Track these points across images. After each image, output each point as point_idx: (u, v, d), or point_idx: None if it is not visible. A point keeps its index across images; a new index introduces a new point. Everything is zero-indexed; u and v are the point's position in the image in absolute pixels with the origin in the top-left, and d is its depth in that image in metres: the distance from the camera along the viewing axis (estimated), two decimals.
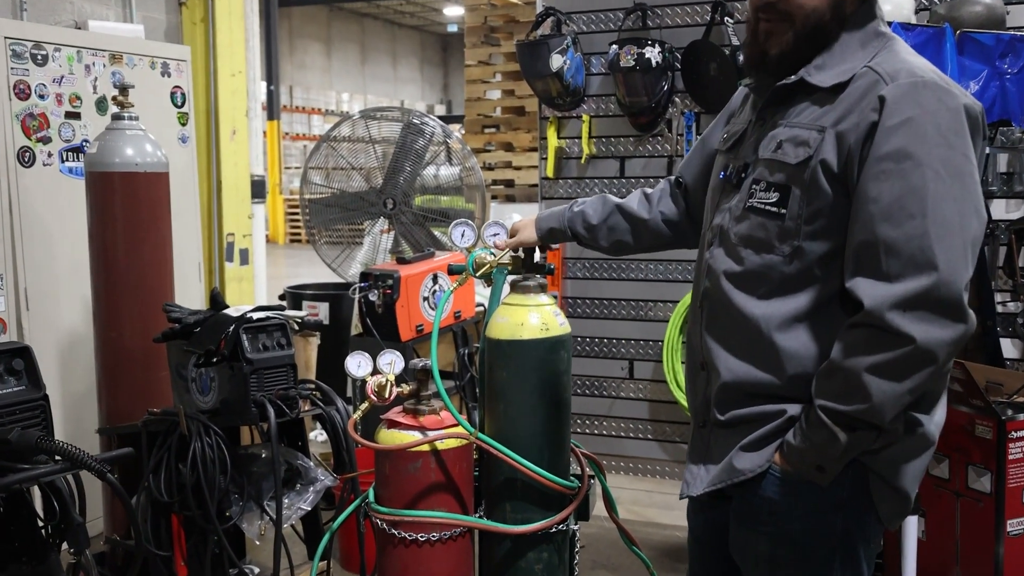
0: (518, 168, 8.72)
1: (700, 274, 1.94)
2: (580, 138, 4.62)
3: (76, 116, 3.97)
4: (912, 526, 2.86)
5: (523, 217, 2.33)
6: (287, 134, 21.39)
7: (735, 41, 4.15)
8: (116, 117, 3.36)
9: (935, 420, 1.76)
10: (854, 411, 1.63)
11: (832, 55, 1.73)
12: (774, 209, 1.72)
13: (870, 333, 1.59)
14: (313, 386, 2.92)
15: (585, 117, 4.59)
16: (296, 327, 3.00)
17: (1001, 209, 3.73)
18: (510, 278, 2.21)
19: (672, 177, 2.23)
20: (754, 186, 1.78)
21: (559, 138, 4.68)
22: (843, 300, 1.69)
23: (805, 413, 1.71)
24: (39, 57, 3.82)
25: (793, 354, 1.73)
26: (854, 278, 1.63)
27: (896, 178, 1.58)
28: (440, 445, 2.11)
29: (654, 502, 4.34)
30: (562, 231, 2.22)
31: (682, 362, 4.25)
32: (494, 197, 8.92)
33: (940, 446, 3.07)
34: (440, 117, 5.23)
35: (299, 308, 5.39)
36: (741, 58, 4.01)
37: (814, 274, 1.71)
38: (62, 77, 3.91)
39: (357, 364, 2.27)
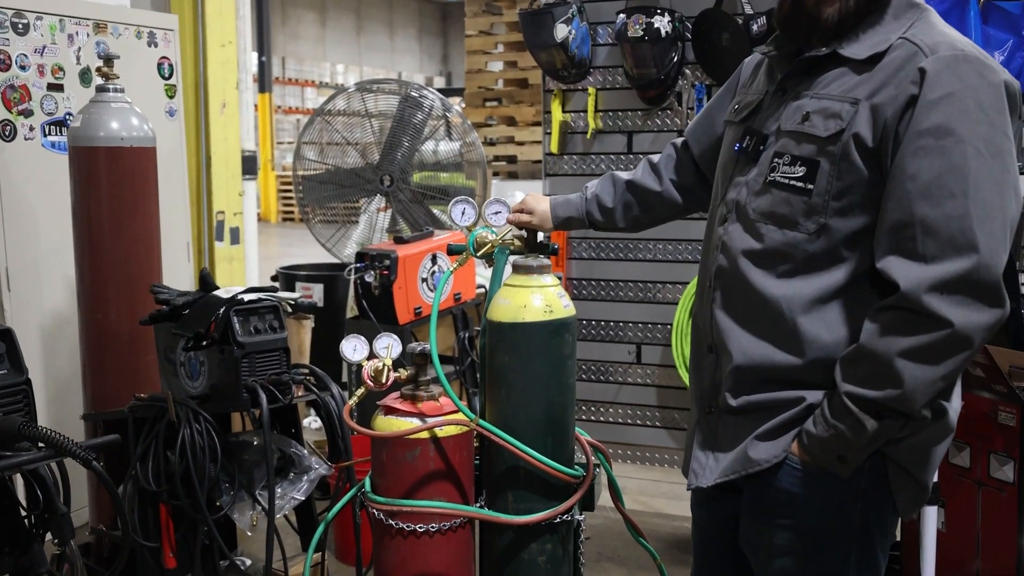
0: (521, 143, 8.69)
1: (711, 251, 1.91)
2: (586, 112, 4.60)
3: (59, 88, 3.95)
4: (931, 517, 2.86)
5: (526, 194, 2.33)
6: (279, 107, 21.34)
7: (748, 10, 4.12)
8: (101, 89, 3.34)
9: (953, 407, 1.75)
10: (884, 397, 1.61)
11: (866, 25, 1.70)
12: (800, 184, 1.69)
13: (905, 316, 1.58)
14: (307, 371, 2.92)
15: (591, 90, 4.57)
16: (289, 309, 3.00)
17: None
18: (512, 258, 2.20)
19: (678, 140, 2.22)
20: (776, 159, 1.75)
21: (564, 112, 4.66)
22: (872, 281, 1.67)
23: (828, 400, 1.69)
24: (20, 26, 3.80)
25: (816, 337, 1.71)
26: (887, 258, 1.61)
27: (936, 155, 1.56)
28: (439, 432, 2.11)
29: (662, 492, 4.35)
30: (580, 219, 2.26)
31: None
32: (496, 174, 8.90)
33: (961, 434, 3.09)
34: (439, 90, 5.19)
35: (292, 289, 5.39)
36: (755, 27, 4.01)
37: (840, 253, 1.69)
38: (44, 47, 3.89)
39: (353, 348, 2.26)
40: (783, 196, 1.72)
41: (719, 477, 1.87)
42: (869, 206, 1.65)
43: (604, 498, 2.30)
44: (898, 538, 3.46)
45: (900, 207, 1.58)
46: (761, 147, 1.80)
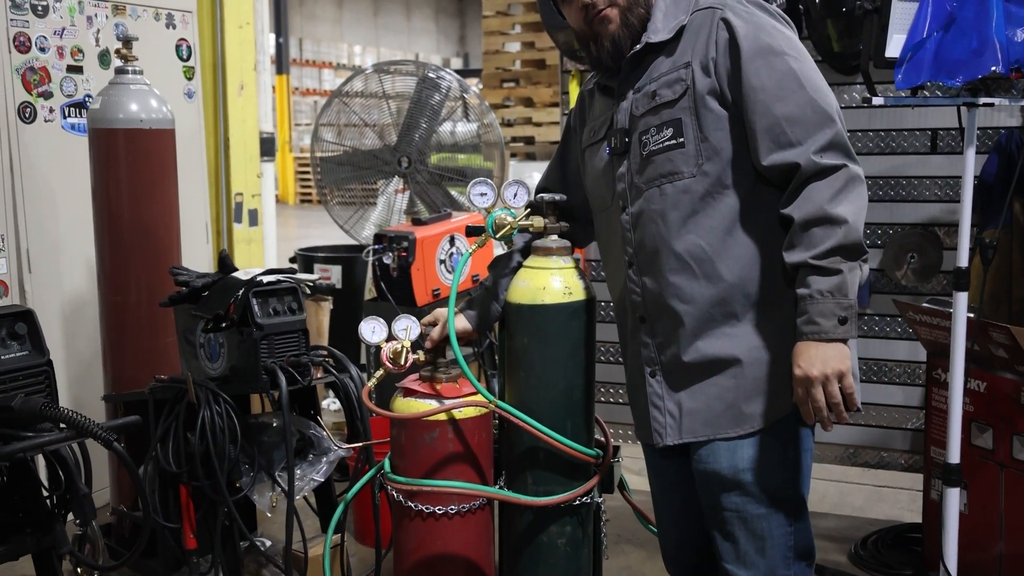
0: (538, 125, 8.66)
1: (618, 242, 2.13)
2: None
3: (78, 70, 3.95)
4: (954, 499, 2.84)
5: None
6: (296, 89, 21.33)
7: None
8: (120, 71, 3.34)
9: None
10: (841, 235, 1.83)
11: (656, 20, 2.06)
12: (673, 142, 2.00)
13: (811, 180, 1.87)
14: (326, 352, 2.91)
15: None
16: (308, 291, 2.99)
17: None
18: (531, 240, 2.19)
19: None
20: (643, 138, 2.04)
21: None
22: (762, 203, 1.97)
23: (801, 295, 1.86)
24: (39, 8, 3.80)
25: (736, 257, 1.98)
26: (770, 156, 1.92)
27: (768, 68, 1.92)
28: (458, 414, 2.11)
29: None
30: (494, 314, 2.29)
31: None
32: (513, 155, 8.87)
33: (984, 415, 3.06)
34: (456, 71, 5.17)
35: (310, 271, 5.39)
36: (775, 5, 3.96)
37: (724, 181, 1.98)
38: (63, 29, 3.89)
39: (371, 330, 2.26)
40: (664, 158, 2.01)
41: (691, 436, 2.05)
42: (730, 135, 1.97)
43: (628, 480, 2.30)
44: (919, 520, 3.44)
45: (762, 114, 1.92)
46: (627, 139, 2.08)
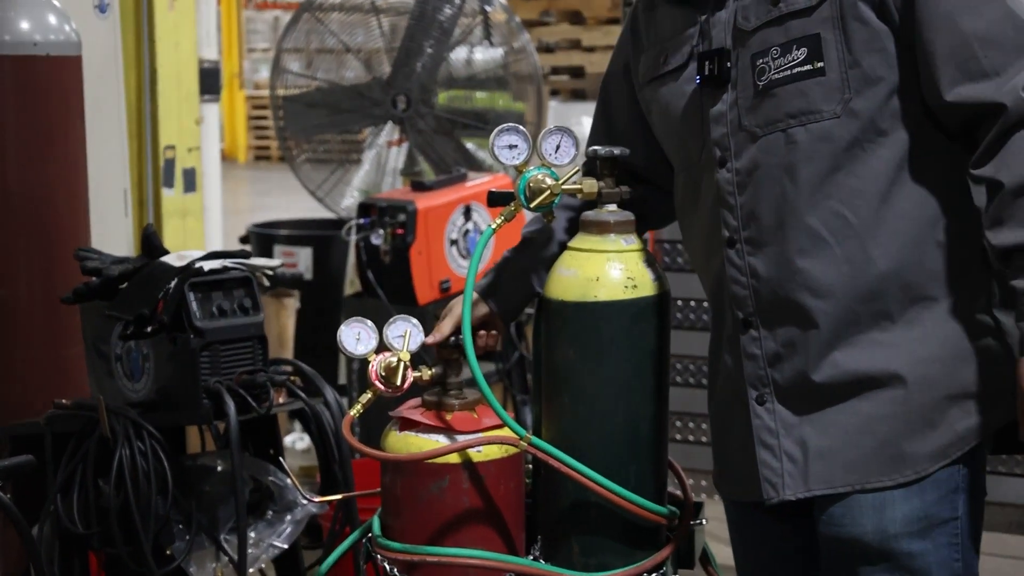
0: (590, 50, 8.67)
1: (711, 211, 2.12)
2: None
3: None
4: None
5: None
6: (250, 1, 21.43)
7: None
8: None
9: None
10: None
11: None
12: (808, 67, 1.97)
13: (1020, 126, 1.83)
14: (291, 369, 2.93)
15: None
16: (266, 283, 3.02)
17: None
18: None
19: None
20: (760, 61, 2.02)
21: None
22: (932, 157, 1.97)
23: (1018, 291, 1.83)
24: None
25: (895, 233, 1.96)
26: (955, 89, 1.89)
27: None
28: (475, 455, 2.12)
29: None
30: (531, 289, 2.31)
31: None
32: (554, 92, 8.88)
33: None
34: None
35: (270, 255, 5.42)
36: None
37: (879, 126, 1.97)
38: None
39: (355, 337, 2.27)
40: (791, 89, 1.99)
41: (833, 486, 2.02)
42: (891, 60, 1.96)
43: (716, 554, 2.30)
44: None
45: (947, 32, 1.89)
46: (728, 63, 2.06)
